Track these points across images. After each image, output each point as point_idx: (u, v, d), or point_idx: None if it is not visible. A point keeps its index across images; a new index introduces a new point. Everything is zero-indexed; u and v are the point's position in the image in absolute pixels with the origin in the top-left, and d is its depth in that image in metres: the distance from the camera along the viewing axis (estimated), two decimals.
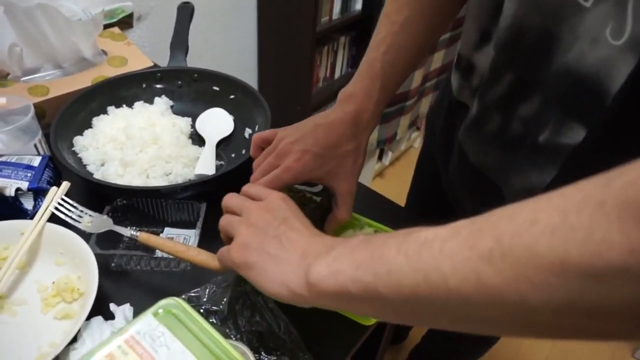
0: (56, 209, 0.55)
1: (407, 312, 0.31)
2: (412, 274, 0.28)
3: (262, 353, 0.50)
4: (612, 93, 0.38)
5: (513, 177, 0.53)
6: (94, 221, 0.56)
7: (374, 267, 0.31)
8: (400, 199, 1.04)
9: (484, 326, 0.28)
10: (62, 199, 0.56)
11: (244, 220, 0.43)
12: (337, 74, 1.69)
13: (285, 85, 1.53)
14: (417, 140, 2.23)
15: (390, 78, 0.55)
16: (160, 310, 0.41)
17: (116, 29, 0.89)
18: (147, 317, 0.40)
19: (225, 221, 0.46)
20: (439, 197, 0.76)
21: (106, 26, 0.89)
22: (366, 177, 1.92)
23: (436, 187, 0.76)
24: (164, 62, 0.90)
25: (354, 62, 1.74)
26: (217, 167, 0.72)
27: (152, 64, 0.84)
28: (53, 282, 0.52)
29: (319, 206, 0.58)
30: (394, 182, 2.00)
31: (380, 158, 2.00)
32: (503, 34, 0.46)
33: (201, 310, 0.53)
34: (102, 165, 0.68)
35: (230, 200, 0.48)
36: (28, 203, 0.58)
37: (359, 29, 1.57)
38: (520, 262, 0.24)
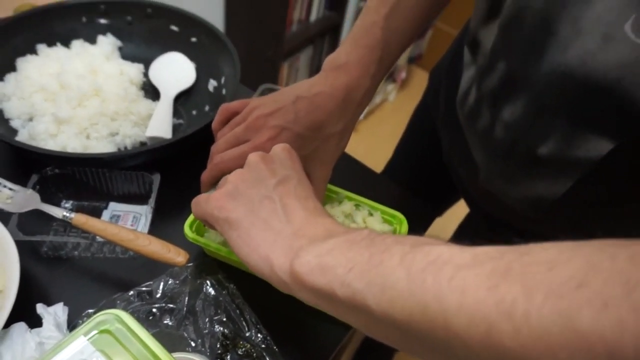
0: None
1: (397, 339, 0.26)
2: (409, 297, 0.23)
3: None
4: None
5: (504, 185, 0.47)
6: (15, 197, 0.44)
7: (369, 274, 0.26)
8: (375, 156, 0.95)
9: None
10: None
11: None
12: (313, 16, 1.54)
13: (255, 26, 1.37)
14: (392, 92, 2.12)
15: (392, 48, 0.45)
16: (94, 332, 0.31)
17: None
18: (79, 340, 0.31)
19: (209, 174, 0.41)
20: (433, 167, 0.69)
21: None
22: None
23: (431, 155, 0.68)
24: None
25: (332, 3, 1.59)
26: (175, 128, 0.60)
27: None
28: None
29: None
30: (368, 137, 1.92)
31: None
32: (508, 10, 0.38)
33: (154, 309, 0.44)
34: (30, 120, 0.55)
35: (221, 145, 0.42)
36: None
37: None
38: (549, 332, 0.18)
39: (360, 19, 0.46)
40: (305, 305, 0.33)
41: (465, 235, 0.73)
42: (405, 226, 0.49)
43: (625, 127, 0.33)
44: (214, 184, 0.43)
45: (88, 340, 0.31)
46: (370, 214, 0.51)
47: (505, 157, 0.44)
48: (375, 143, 1.74)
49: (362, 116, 1.94)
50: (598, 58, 0.31)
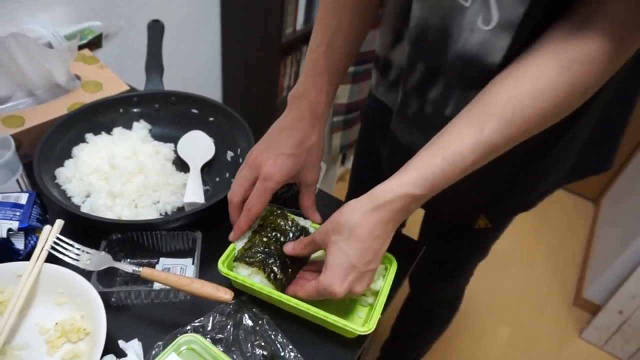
0: (53, 248, 0.55)
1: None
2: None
3: None
4: (495, 65, 0.46)
5: None
6: (92, 258, 0.56)
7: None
8: None
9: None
10: (58, 238, 0.56)
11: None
12: None
13: (251, 95, 1.54)
14: None
15: (334, 72, 0.60)
16: (183, 348, 0.43)
17: (87, 51, 0.88)
18: (171, 356, 0.42)
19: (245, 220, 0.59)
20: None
21: None
22: (330, 183, 1.96)
23: (377, 173, 0.83)
24: (133, 79, 0.90)
25: None
26: (204, 193, 0.74)
27: (127, 88, 0.83)
28: (56, 324, 0.53)
29: (300, 228, 0.61)
30: None
31: (343, 162, 2.05)
32: (413, 31, 0.53)
33: (207, 339, 0.55)
34: (88, 196, 0.68)
35: (235, 189, 0.60)
36: (19, 243, 0.57)
37: None
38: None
39: (306, 57, 0.62)
40: (323, 328, 0.45)
41: (427, 230, 0.90)
42: (394, 265, 0.60)
43: (483, 79, 0.48)
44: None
45: (178, 355, 0.42)
46: None
47: (431, 126, 0.56)
48: None
49: (350, 165, 2.09)
50: (470, 42, 0.47)
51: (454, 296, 1.04)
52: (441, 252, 0.87)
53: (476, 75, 0.49)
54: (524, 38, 0.44)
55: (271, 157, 0.57)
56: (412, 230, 0.90)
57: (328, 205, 0.64)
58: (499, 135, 0.44)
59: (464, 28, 0.48)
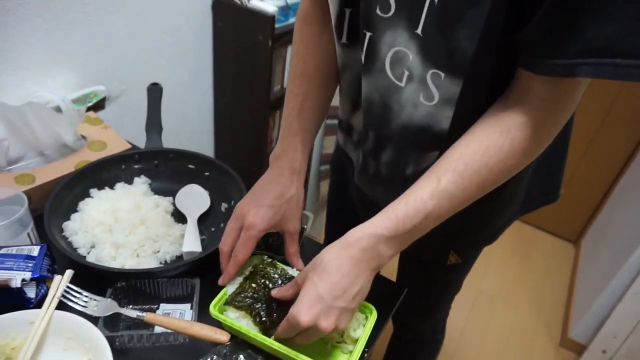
0: (63, 296, 0.60)
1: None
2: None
3: None
4: (444, 131, 0.57)
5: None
6: (99, 305, 0.61)
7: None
8: None
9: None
10: (67, 287, 0.61)
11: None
12: None
13: (241, 147, 1.62)
14: None
15: (307, 132, 0.70)
16: None
17: (92, 113, 0.96)
18: None
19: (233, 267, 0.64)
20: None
21: None
22: (318, 229, 2.02)
23: (349, 218, 0.91)
24: (134, 137, 0.97)
25: None
26: (201, 242, 0.79)
27: (129, 146, 0.91)
28: None
29: (289, 277, 0.66)
30: None
31: None
32: (363, 104, 0.63)
33: None
34: (93, 247, 0.73)
35: (225, 238, 0.66)
36: (31, 292, 0.62)
37: None
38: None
39: (282, 122, 0.71)
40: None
41: (404, 270, 0.96)
42: (374, 314, 0.64)
43: (432, 145, 0.58)
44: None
45: None
46: None
47: (390, 183, 0.67)
48: None
49: None
50: (415, 115, 0.57)
51: (434, 329, 1.09)
52: (417, 288, 0.92)
53: (430, 140, 0.59)
54: (467, 105, 0.53)
55: (253, 209, 0.64)
56: (391, 272, 0.96)
57: (315, 252, 0.69)
58: (453, 185, 0.51)
59: (406, 104, 0.57)
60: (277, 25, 1.36)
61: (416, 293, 0.93)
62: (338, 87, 0.74)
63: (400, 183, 0.64)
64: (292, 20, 1.45)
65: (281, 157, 0.68)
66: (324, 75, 0.70)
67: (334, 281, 0.53)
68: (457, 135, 0.55)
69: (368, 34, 0.56)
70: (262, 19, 1.32)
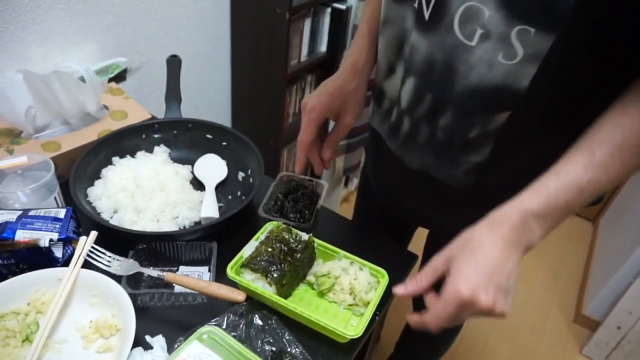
0: (88, 256, 0.63)
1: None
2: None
3: None
4: (523, 89, 0.52)
5: (454, 168, 0.66)
6: (122, 265, 0.64)
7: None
8: None
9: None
10: (92, 247, 0.64)
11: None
12: None
13: (258, 121, 1.63)
14: None
15: (374, 34, 0.72)
16: (205, 336, 0.50)
17: (113, 84, 0.98)
18: (194, 342, 0.49)
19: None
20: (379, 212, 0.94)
21: None
22: (334, 202, 2.04)
23: (375, 205, 0.93)
24: (154, 108, 0.99)
25: None
26: (218, 209, 0.82)
27: (150, 116, 0.93)
28: (91, 321, 0.60)
29: (306, 245, 0.68)
30: None
31: (346, 184, 2.13)
32: (420, 66, 0.60)
33: None
34: (115, 212, 0.76)
35: (304, 131, 0.74)
36: (58, 251, 0.65)
37: (324, 68, 1.71)
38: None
39: (355, 36, 0.75)
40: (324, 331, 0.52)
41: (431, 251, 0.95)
42: (386, 278, 0.67)
43: (505, 105, 0.55)
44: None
45: (200, 342, 0.49)
46: (361, 269, 0.69)
47: (447, 148, 0.64)
48: None
49: (354, 187, 2.17)
50: (489, 76, 0.53)
51: None
52: None
53: (504, 100, 0.54)
54: (554, 62, 0.49)
55: (315, 96, 0.73)
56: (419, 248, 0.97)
57: (332, 222, 0.71)
58: (610, 157, 0.47)
59: (475, 64, 0.53)
60: None
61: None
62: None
63: (458, 148, 0.60)
64: None
65: (348, 58, 0.74)
66: None
67: (487, 261, 0.49)
68: (535, 94, 0.51)
69: None
70: None
